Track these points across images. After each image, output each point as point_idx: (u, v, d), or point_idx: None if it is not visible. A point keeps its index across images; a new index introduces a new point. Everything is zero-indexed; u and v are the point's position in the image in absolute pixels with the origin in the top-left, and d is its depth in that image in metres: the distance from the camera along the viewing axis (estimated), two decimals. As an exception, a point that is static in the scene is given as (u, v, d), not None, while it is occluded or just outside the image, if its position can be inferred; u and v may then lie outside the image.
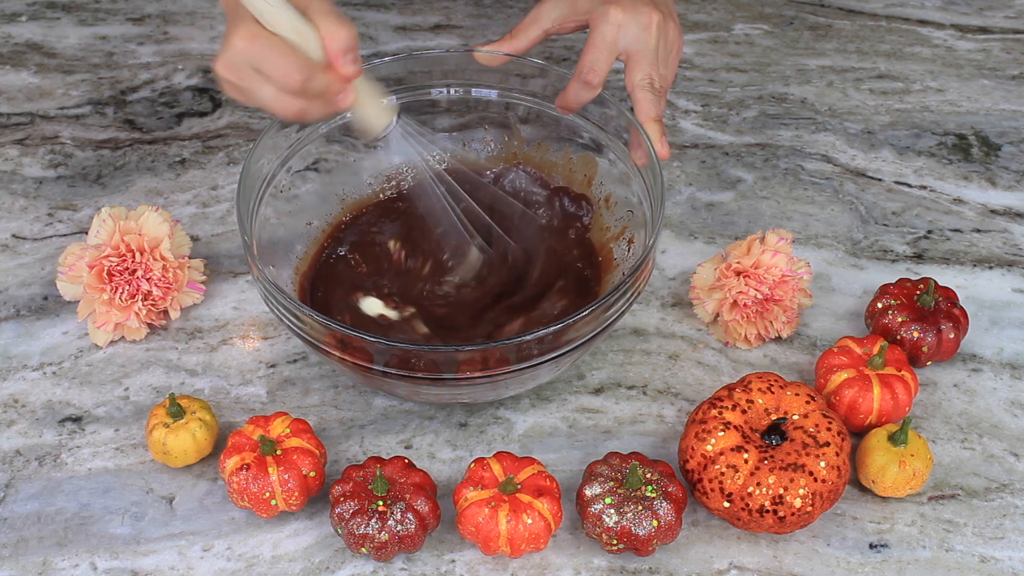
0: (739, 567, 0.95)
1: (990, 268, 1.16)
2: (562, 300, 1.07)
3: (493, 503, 0.92)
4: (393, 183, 1.16)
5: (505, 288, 1.08)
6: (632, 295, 0.98)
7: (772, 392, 0.97)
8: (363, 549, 0.93)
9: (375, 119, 0.98)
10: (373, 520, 0.91)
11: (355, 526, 0.92)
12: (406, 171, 1.16)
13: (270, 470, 0.94)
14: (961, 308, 1.07)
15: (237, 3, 0.89)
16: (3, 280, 1.14)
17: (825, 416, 0.96)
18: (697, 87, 1.34)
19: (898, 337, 1.05)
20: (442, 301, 1.07)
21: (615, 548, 0.93)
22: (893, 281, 1.10)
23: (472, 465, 0.95)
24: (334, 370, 1.08)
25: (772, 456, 0.93)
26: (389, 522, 0.91)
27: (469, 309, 1.07)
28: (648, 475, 0.94)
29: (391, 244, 1.11)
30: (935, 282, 1.08)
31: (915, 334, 1.05)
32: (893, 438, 0.97)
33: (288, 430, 0.97)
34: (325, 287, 1.09)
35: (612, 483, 0.93)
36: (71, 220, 1.20)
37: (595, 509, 0.92)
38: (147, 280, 1.07)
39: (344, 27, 0.90)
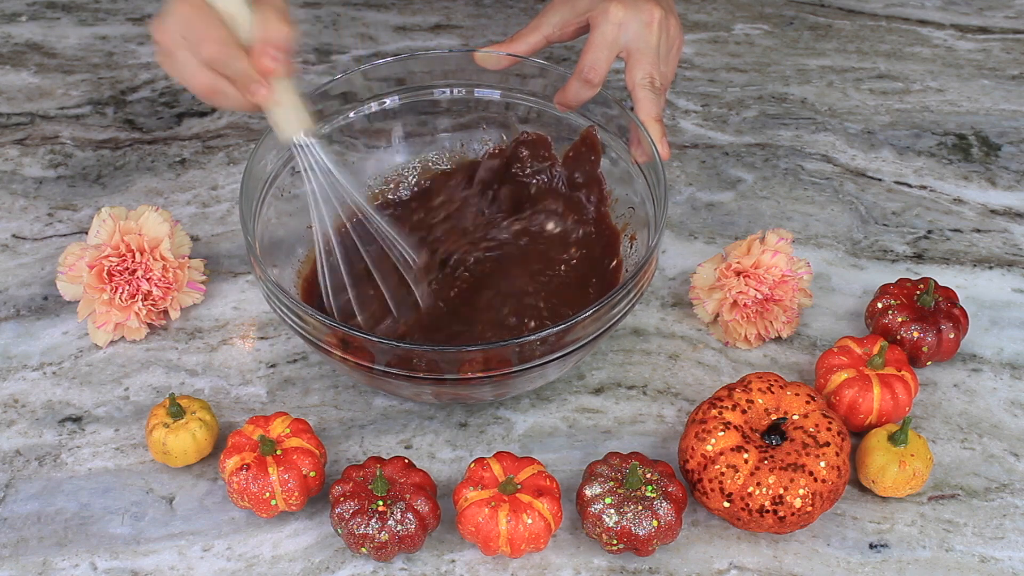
0: (739, 567, 0.96)
1: (990, 268, 1.16)
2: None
3: (493, 503, 0.92)
4: (392, 184, 1.16)
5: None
6: (635, 295, 0.98)
7: (772, 392, 0.97)
8: (363, 549, 0.93)
9: (284, 125, 0.94)
10: (373, 520, 0.91)
11: (355, 526, 0.92)
12: (406, 171, 1.16)
13: (270, 470, 0.94)
14: (961, 308, 1.07)
15: None
16: (3, 280, 1.15)
17: (825, 416, 0.96)
18: (697, 87, 1.34)
19: (898, 337, 1.05)
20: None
21: (615, 548, 0.93)
22: (893, 281, 1.10)
23: (472, 465, 0.95)
24: (334, 370, 1.08)
25: (772, 456, 0.93)
26: (389, 522, 0.92)
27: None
28: (648, 475, 0.94)
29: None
30: (935, 282, 1.08)
31: (915, 334, 1.05)
32: (893, 438, 0.97)
33: (288, 430, 0.97)
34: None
35: (612, 483, 0.93)
36: (71, 220, 1.20)
37: (595, 509, 0.92)
38: (147, 280, 1.07)
39: (282, 23, 0.89)
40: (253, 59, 0.89)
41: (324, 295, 1.02)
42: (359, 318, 1.03)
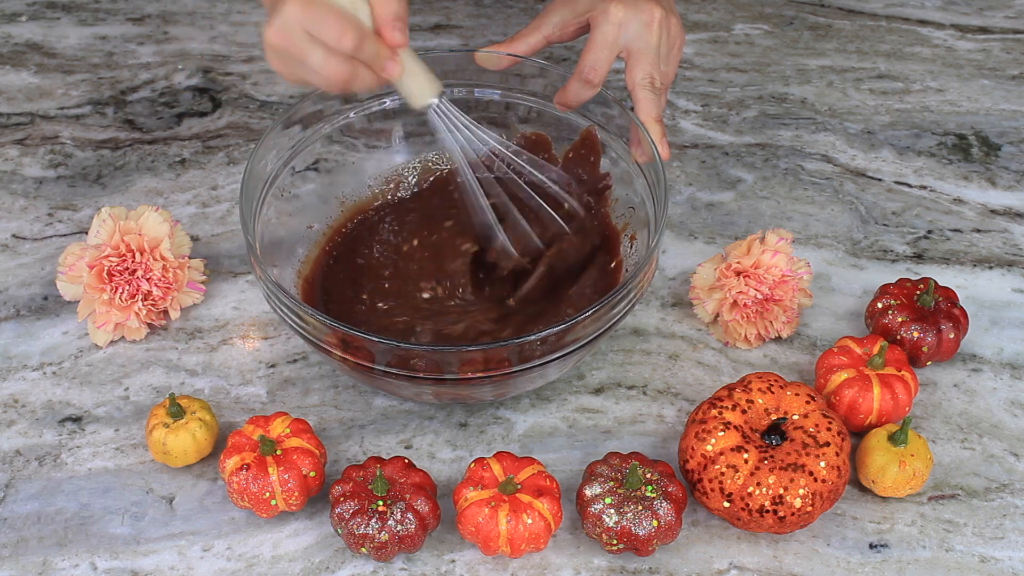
0: (739, 567, 0.96)
1: (990, 268, 1.16)
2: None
3: (493, 503, 0.92)
4: (392, 184, 1.16)
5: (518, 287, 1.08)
6: (636, 295, 0.98)
7: (772, 392, 0.97)
8: (363, 549, 0.93)
9: (418, 92, 0.98)
10: (373, 520, 0.91)
11: (355, 526, 0.92)
12: (406, 171, 1.16)
13: (270, 470, 0.94)
14: (961, 308, 1.07)
15: None
16: (3, 280, 1.15)
17: (825, 416, 0.96)
18: (697, 87, 1.34)
19: (898, 337, 1.05)
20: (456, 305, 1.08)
21: (615, 548, 0.93)
22: (893, 281, 1.10)
23: (472, 465, 0.95)
24: (334, 370, 1.08)
25: (772, 456, 0.93)
26: (389, 522, 0.92)
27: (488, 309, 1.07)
28: (648, 475, 0.94)
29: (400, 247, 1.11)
30: (935, 282, 1.08)
31: (915, 334, 1.05)
32: (893, 438, 0.97)
33: (288, 430, 0.97)
34: (327, 289, 1.09)
35: (612, 483, 0.93)
36: (71, 220, 1.20)
37: (595, 509, 0.92)
38: (147, 280, 1.07)
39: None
40: (383, 36, 0.92)
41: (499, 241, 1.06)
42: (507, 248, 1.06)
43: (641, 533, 0.92)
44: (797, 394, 0.97)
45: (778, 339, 1.10)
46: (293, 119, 1.08)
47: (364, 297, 1.08)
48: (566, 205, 1.08)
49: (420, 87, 0.97)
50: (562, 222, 1.07)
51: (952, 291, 1.09)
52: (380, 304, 1.08)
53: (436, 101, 0.98)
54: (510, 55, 1.09)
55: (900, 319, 1.05)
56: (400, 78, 0.95)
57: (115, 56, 1.36)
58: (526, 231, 1.07)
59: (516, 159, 1.05)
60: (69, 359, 1.09)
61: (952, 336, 1.06)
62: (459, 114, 1.00)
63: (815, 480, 0.92)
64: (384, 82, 0.95)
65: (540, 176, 1.06)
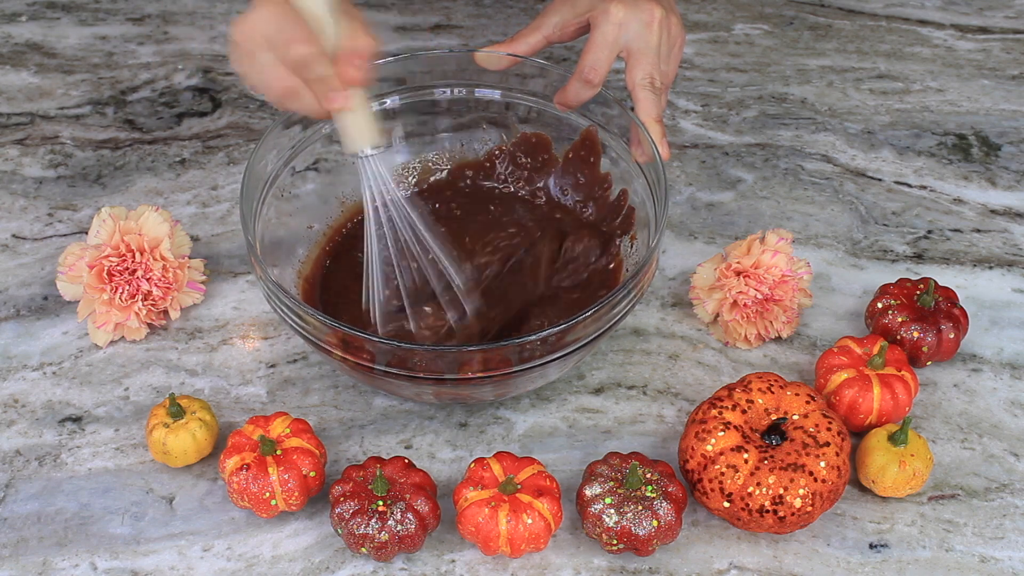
0: (739, 567, 0.95)
1: (990, 268, 1.16)
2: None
3: (493, 503, 0.92)
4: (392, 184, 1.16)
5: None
6: (635, 295, 0.98)
7: (772, 392, 0.97)
8: (363, 549, 0.93)
9: (354, 137, 0.94)
10: (373, 520, 0.91)
11: (355, 526, 0.92)
12: (406, 171, 1.16)
13: (270, 470, 0.94)
14: (961, 308, 1.07)
15: None
16: (3, 280, 1.15)
17: (825, 416, 0.96)
18: (697, 87, 1.34)
19: (898, 337, 1.05)
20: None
21: (615, 548, 0.93)
22: (893, 281, 1.10)
23: (472, 465, 0.95)
24: (334, 370, 1.08)
25: (772, 456, 0.93)
26: (389, 522, 0.92)
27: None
28: (648, 475, 0.94)
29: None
30: (935, 282, 1.08)
31: (915, 334, 1.05)
32: (893, 438, 0.97)
33: (288, 430, 0.97)
34: (328, 290, 1.09)
35: (612, 483, 0.93)
36: (71, 220, 1.20)
37: (595, 509, 0.92)
38: (147, 280, 1.07)
39: (367, 35, 0.90)
40: (338, 66, 0.90)
41: (372, 312, 1.02)
42: (414, 329, 1.03)
43: (641, 533, 0.92)
44: (797, 394, 0.97)
45: (778, 339, 1.10)
46: (293, 119, 1.08)
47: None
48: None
49: (358, 131, 0.94)
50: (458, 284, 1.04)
51: (952, 291, 1.09)
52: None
53: (368, 152, 0.95)
54: (510, 55, 1.09)
55: (900, 319, 1.05)
56: (340, 114, 0.92)
57: (115, 56, 1.36)
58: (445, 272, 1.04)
59: (423, 237, 1.02)
60: (69, 359, 1.09)
61: (952, 336, 1.06)
62: (386, 174, 0.96)
63: (815, 480, 0.92)
64: (323, 112, 0.92)
65: (442, 261, 1.03)
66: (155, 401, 1.06)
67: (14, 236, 1.18)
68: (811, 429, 0.95)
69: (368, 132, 0.94)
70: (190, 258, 1.12)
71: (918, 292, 1.08)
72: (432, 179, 1.16)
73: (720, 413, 0.96)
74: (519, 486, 0.93)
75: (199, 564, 0.96)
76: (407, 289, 1.03)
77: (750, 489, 0.93)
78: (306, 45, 0.88)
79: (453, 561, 0.96)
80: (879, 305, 1.07)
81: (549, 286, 1.08)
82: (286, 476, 0.94)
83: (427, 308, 1.04)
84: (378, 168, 0.96)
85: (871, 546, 0.97)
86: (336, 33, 0.90)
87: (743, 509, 0.93)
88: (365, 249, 1.00)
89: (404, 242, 1.01)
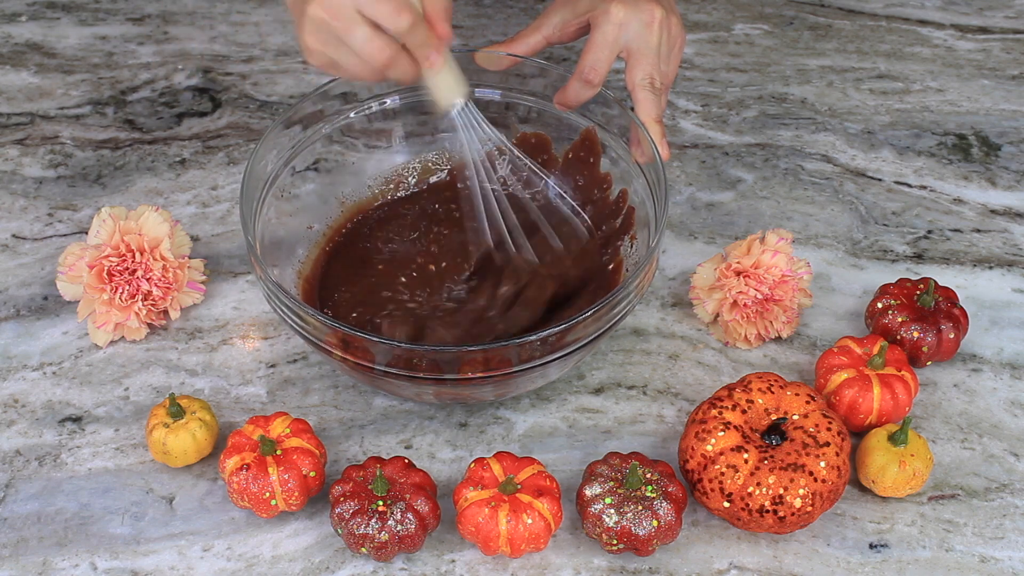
0: (739, 567, 0.95)
1: (990, 268, 1.16)
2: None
3: (493, 503, 0.92)
4: (392, 185, 1.16)
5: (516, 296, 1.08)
6: (636, 295, 0.98)
7: (772, 392, 0.97)
8: (363, 549, 0.93)
9: (449, 90, 0.98)
10: (373, 520, 0.91)
11: (355, 526, 0.92)
12: (406, 171, 1.16)
13: (270, 470, 0.94)
14: (961, 308, 1.07)
15: None
16: (3, 280, 1.14)
17: (825, 416, 0.96)
18: (697, 87, 1.34)
19: (898, 337, 1.05)
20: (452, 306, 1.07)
21: (615, 548, 0.93)
22: (893, 281, 1.10)
23: (472, 465, 0.95)
24: (334, 370, 1.08)
25: (772, 456, 0.93)
26: (389, 522, 0.92)
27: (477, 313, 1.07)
28: (648, 475, 0.94)
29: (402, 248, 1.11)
30: (935, 282, 1.08)
31: (915, 334, 1.05)
32: (893, 438, 0.97)
33: (288, 430, 0.97)
34: (328, 290, 1.09)
35: (612, 483, 0.93)
36: (71, 220, 1.20)
37: (595, 509, 0.92)
38: (147, 280, 1.07)
39: None
40: (433, 26, 0.92)
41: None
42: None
43: (641, 533, 0.92)
44: (797, 394, 0.97)
45: (778, 339, 1.10)
46: (293, 119, 1.08)
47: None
48: (570, 226, 1.08)
49: (451, 85, 0.98)
50: (561, 245, 1.07)
51: (952, 291, 1.09)
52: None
53: (462, 102, 0.99)
54: (510, 55, 1.09)
55: (900, 319, 1.05)
56: (440, 71, 0.95)
57: (115, 56, 1.36)
58: (525, 248, 1.06)
59: (531, 171, 1.05)
60: (69, 359, 1.09)
61: (952, 336, 1.06)
62: (482, 120, 1.00)
63: (815, 480, 0.92)
64: (416, 76, 0.94)
65: (553, 196, 1.06)
66: (155, 401, 1.06)
67: (14, 236, 1.18)
68: (811, 429, 0.95)
69: (460, 84, 0.98)
70: (190, 258, 1.12)
71: (918, 292, 1.08)
72: (432, 180, 1.16)
73: (720, 413, 0.96)
74: (519, 486, 0.93)
75: (199, 564, 0.96)
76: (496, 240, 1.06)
77: (750, 489, 0.93)
78: (410, 12, 0.89)
79: (453, 561, 0.96)
80: (879, 305, 1.07)
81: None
82: (286, 476, 0.94)
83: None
84: (475, 116, 1.00)
85: (871, 546, 0.97)
86: None
87: (743, 509, 0.93)
88: (474, 200, 1.04)
89: (497, 196, 1.05)
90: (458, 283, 1.09)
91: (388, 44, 0.90)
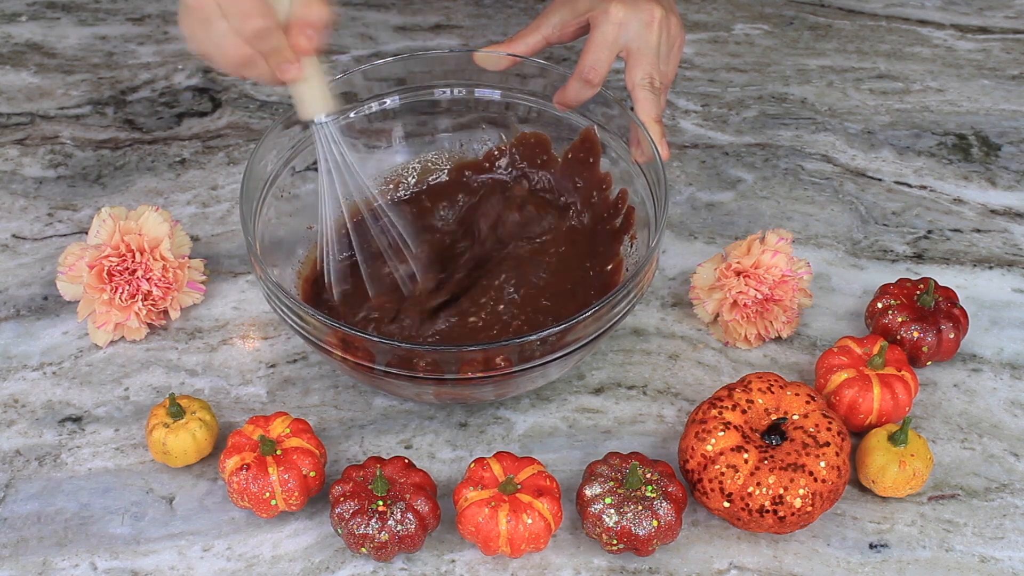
0: (739, 567, 0.96)
1: (990, 268, 1.16)
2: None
3: (493, 503, 0.92)
4: (392, 185, 1.16)
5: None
6: (636, 295, 0.98)
7: (772, 392, 0.97)
8: (363, 549, 0.93)
9: (308, 104, 0.96)
10: (373, 520, 0.92)
11: (355, 526, 0.92)
12: (406, 171, 1.16)
13: (270, 470, 0.94)
14: (961, 308, 1.07)
15: None
16: (3, 280, 1.15)
17: (825, 416, 0.96)
18: (697, 87, 1.34)
19: (898, 337, 1.05)
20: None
21: (615, 548, 0.93)
22: (893, 281, 1.11)
23: (472, 465, 0.95)
24: (334, 370, 1.08)
25: (772, 456, 0.94)
26: (389, 522, 0.92)
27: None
28: (648, 475, 0.94)
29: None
30: (935, 282, 1.08)
31: (915, 334, 1.05)
32: (893, 438, 0.97)
33: (288, 430, 0.97)
34: (327, 289, 1.09)
35: (612, 483, 0.93)
36: (71, 220, 1.20)
37: (595, 509, 0.92)
38: (147, 280, 1.07)
39: (321, 4, 0.90)
40: (290, 36, 0.91)
41: (326, 276, 1.04)
42: (371, 294, 1.05)
43: (641, 533, 0.92)
44: (797, 394, 0.97)
45: (778, 339, 1.10)
46: (293, 119, 1.08)
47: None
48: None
49: (312, 99, 0.95)
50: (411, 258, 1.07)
51: (952, 291, 1.09)
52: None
53: (323, 119, 0.97)
54: (510, 55, 1.09)
55: (900, 319, 1.05)
56: (294, 84, 0.94)
57: (115, 56, 1.36)
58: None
59: (384, 213, 1.04)
60: (69, 359, 1.09)
61: (952, 336, 1.06)
62: (340, 140, 0.98)
63: (815, 480, 0.92)
64: (276, 80, 0.93)
65: (395, 228, 1.05)
66: (155, 401, 1.06)
67: (14, 236, 1.18)
68: (811, 429, 0.95)
69: (321, 100, 0.96)
70: (190, 258, 1.12)
71: (918, 292, 1.08)
72: (431, 179, 1.16)
73: (720, 413, 0.96)
74: (519, 486, 0.93)
75: (199, 564, 0.96)
76: (361, 252, 1.05)
77: (750, 489, 0.93)
78: (260, 18, 0.88)
79: (453, 561, 0.96)
80: (879, 305, 1.07)
81: (499, 246, 1.09)
82: (286, 476, 0.94)
83: (384, 270, 1.06)
84: (332, 134, 0.97)
85: (871, 546, 0.97)
86: (289, 1, 0.90)
87: (743, 509, 0.93)
88: (319, 213, 1.03)
89: (358, 207, 1.04)
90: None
91: (242, 45, 0.89)
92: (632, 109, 1.07)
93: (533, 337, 0.93)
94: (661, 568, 0.95)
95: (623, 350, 1.09)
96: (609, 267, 1.09)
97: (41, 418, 1.05)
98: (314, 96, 0.95)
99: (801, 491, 0.92)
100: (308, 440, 0.96)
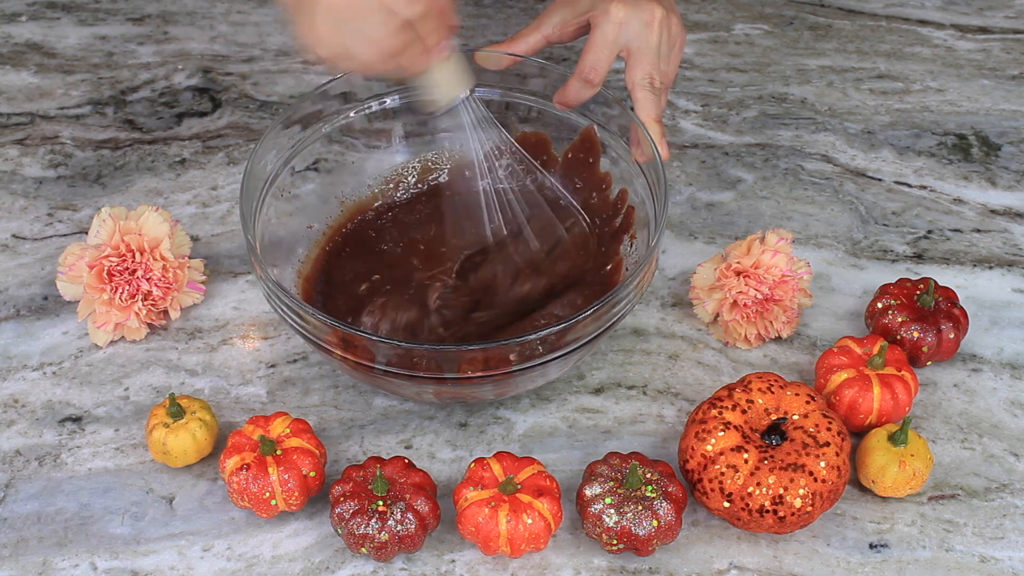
0: (739, 567, 0.96)
1: (990, 268, 1.16)
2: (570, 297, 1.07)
3: (493, 503, 0.92)
4: (392, 185, 1.16)
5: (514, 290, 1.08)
6: (636, 295, 0.98)
7: (772, 392, 0.97)
8: (363, 549, 0.93)
9: (453, 84, 0.99)
10: (373, 520, 0.91)
11: (355, 526, 0.92)
12: (406, 171, 1.16)
13: (270, 470, 0.94)
14: (961, 308, 1.07)
15: None
16: (3, 280, 1.15)
17: (825, 416, 0.96)
18: (697, 87, 1.34)
19: (898, 337, 1.05)
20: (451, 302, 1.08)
21: (615, 548, 0.93)
22: (893, 281, 1.11)
23: (472, 465, 0.95)
24: (334, 370, 1.08)
25: (772, 456, 0.93)
26: (389, 522, 0.92)
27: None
28: (648, 475, 0.94)
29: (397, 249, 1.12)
30: (935, 282, 1.08)
31: (915, 334, 1.05)
32: (893, 438, 0.97)
33: (288, 430, 0.97)
34: (328, 289, 1.09)
35: (612, 483, 0.93)
36: (71, 220, 1.20)
37: (595, 509, 0.92)
38: (147, 280, 1.07)
39: None
40: (420, 31, 0.92)
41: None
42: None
43: (641, 533, 0.92)
44: (797, 394, 0.97)
45: (778, 339, 1.10)
46: (293, 119, 1.08)
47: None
48: (569, 224, 1.09)
49: (456, 78, 0.99)
50: (564, 234, 1.08)
51: (952, 291, 1.09)
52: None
53: (467, 94, 1.00)
54: (510, 55, 1.09)
55: (900, 319, 1.05)
56: (448, 61, 0.96)
57: (115, 56, 1.36)
58: (526, 240, 1.07)
59: (530, 166, 1.06)
60: (69, 359, 1.09)
61: (952, 336, 1.06)
62: (485, 114, 1.01)
63: (815, 480, 0.92)
64: (425, 64, 0.95)
65: (550, 190, 1.07)
66: (155, 401, 1.06)
67: (14, 236, 1.18)
68: (811, 429, 0.95)
69: (465, 75, 0.99)
70: (190, 258, 1.12)
71: (918, 292, 1.08)
72: (432, 179, 1.16)
73: (720, 413, 0.96)
74: (519, 486, 0.93)
75: (199, 564, 0.96)
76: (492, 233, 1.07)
77: (750, 489, 0.93)
78: (387, 20, 0.90)
79: (453, 561, 0.96)
80: (879, 305, 1.07)
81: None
82: (286, 476, 0.94)
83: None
84: (479, 108, 1.01)
85: (871, 546, 0.97)
86: None
87: (743, 509, 0.93)
88: (475, 197, 1.05)
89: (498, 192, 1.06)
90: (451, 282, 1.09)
91: (401, 31, 0.91)
92: (632, 109, 1.07)
93: (533, 337, 0.93)
94: (661, 568, 0.95)
95: (623, 350, 1.09)
96: (609, 267, 1.09)
97: (41, 418, 1.05)
98: (459, 73, 0.99)
99: (801, 491, 0.92)
100: (308, 440, 0.96)
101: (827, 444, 0.94)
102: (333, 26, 0.91)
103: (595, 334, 0.97)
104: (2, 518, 0.98)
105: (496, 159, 1.06)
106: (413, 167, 1.16)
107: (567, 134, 1.13)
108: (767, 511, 0.93)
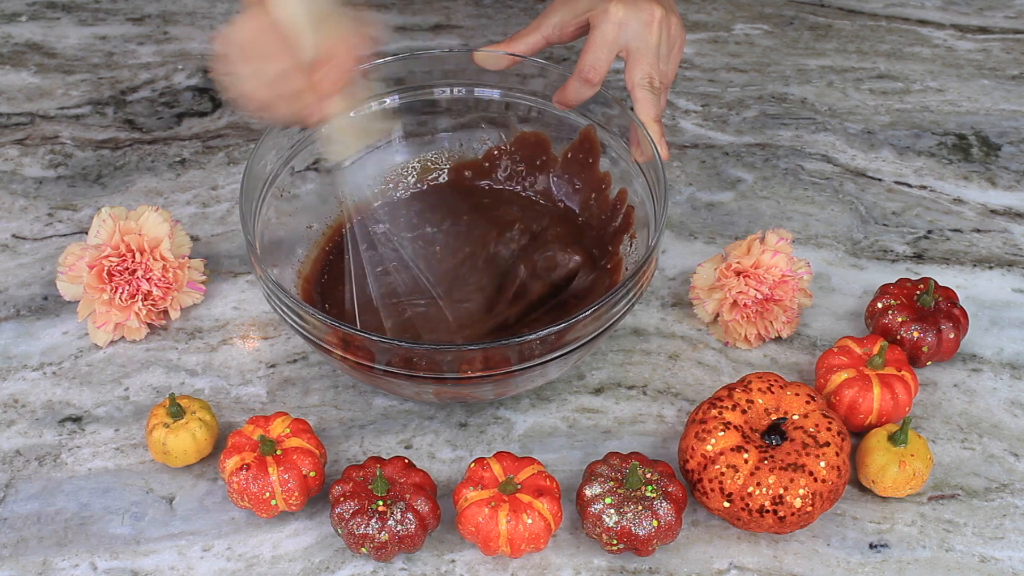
0: (739, 567, 0.96)
1: (990, 268, 1.16)
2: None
3: (493, 503, 0.92)
4: (392, 185, 1.16)
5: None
6: (636, 295, 0.98)
7: (772, 392, 0.97)
8: (363, 549, 0.93)
9: (334, 150, 0.95)
10: (373, 520, 0.92)
11: (355, 526, 0.92)
12: (406, 171, 1.16)
13: (270, 470, 0.94)
14: (961, 308, 1.07)
15: None
16: (3, 280, 1.15)
17: (825, 416, 0.96)
18: (697, 87, 1.34)
19: (898, 337, 1.05)
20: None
21: (615, 548, 0.93)
22: (893, 281, 1.11)
23: (472, 465, 0.95)
24: (334, 370, 1.08)
25: (772, 456, 0.93)
26: (389, 522, 0.92)
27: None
28: (648, 475, 0.94)
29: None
30: (935, 282, 1.08)
31: (915, 334, 1.05)
32: (893, 438, 0.97)
33: (288, 430, 0.97)
34: (327, 289, 1.09)
35: (612, 483, 0.93)
36: (71, 220, 1.20)
37: (595, 509, 0.92)
38: (147, 280, 1.07)
39: (349, 41, 0.89)
40: (313, 79, 0.89)
41: (355, 312, 1.04)
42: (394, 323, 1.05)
43: (641, 533, 0.92)
44: (797, 394, 0.97)
45: (778, 339, 1.10)
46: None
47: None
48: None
49: (338, 142, 0.94)
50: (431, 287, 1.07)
51: (952, 291, 1.09)
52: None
53: (346, 165, 0.96)
54: (510, 55, 1.09)
55: (900, 319, 1.05)
56: (342, 117, 0.93)
57: (115, 56, 1.36)
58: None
59: (400, 248, 1.05)
60: (69, 359, 1.09)
61: (952, 336, 1.06)
62: (362, 188, 0.98)
63: (815, 480, 0.92)
64: (316, 117, 0.91)
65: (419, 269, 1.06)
66: (155, 401, 1.06)
67: (14, 236, 1.18)
68: (811, 429, 0.95)
69: (350, 141, 0.95)
70: (190, 258, 1.12)
71: (918, 292, 1.08)
72: (431, 179, 1.16)
73: (720, 413, 0.96)
74: (519, 486, 0.93)
75: (199, 564, 0.96)
76: (381, 296, 1.05)
77: (750, 489, 0.93)
78: (278, 61, 0.87)
79: (453, 561, 0.96)
80: (879, 305, 1.07)
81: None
82: (286, 476, 0.94)
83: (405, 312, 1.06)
84: (354, 180, 0.98)
85: (871, 546, 0.97)
86: (314, 43, 0.88)
87: (743, 509, 0.93)
88: (346, 253, 1.04)
89: (382, 253, 1.04)
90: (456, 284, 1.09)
91: (264, 87, 0.88)
92: (632, 109, 1.07)
93: (533, 337, 0.93)
94: (661, 568, 0.95)
95: (623, 350, 1.09)
96: (609, 267, 1.09)
97: (41, 418, 1.05)
98: (341, 138, 0.94)
99: (801, 491, 0.92)
100: (308, 440, 0.96)
101: (827, 444, 0.94)
102: (222, 71, 0.90)
103: (595, 334, 0.97)
104: (2, 518, 0.98)
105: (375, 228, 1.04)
106: (413, 167, 1.17)
107: (567, 134, 1.13)
108: (767, 511, 0.93)
